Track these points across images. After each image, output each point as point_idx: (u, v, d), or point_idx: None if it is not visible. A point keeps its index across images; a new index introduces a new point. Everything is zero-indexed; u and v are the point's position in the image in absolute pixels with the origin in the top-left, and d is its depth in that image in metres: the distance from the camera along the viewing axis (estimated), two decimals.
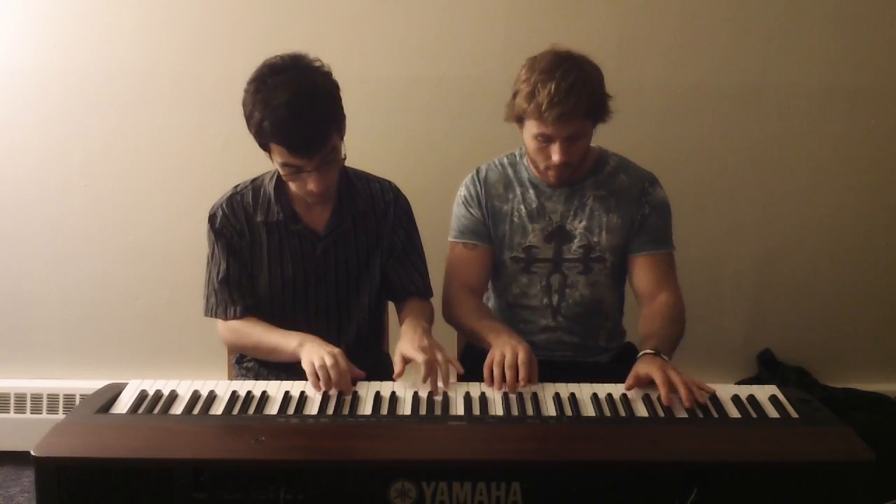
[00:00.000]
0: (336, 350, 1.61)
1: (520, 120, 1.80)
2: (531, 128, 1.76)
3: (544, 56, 1.76)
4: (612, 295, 1.96)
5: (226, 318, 1.82)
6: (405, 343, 1.66)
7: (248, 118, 1.63)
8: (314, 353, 1.61)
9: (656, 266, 1.89)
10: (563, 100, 1.68)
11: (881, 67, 2.53)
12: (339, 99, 1.69)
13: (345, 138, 1.73)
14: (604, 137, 1.88)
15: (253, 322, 1.80)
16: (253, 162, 1.82)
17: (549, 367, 1.64)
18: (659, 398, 1.54)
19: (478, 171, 1.96)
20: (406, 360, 1.63)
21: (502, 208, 1.91)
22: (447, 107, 2.51)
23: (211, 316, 1.85)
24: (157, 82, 2.48)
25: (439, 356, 1.60)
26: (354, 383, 1.59)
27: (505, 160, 1.96)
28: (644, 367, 1.60)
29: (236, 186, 1.85)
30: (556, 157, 1.75)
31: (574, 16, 2.45)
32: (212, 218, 1.82)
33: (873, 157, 2.61)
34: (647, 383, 1.58)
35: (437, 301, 1.96)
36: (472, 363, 1.67)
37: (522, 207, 1.90)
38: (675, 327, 1.82)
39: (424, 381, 1.57)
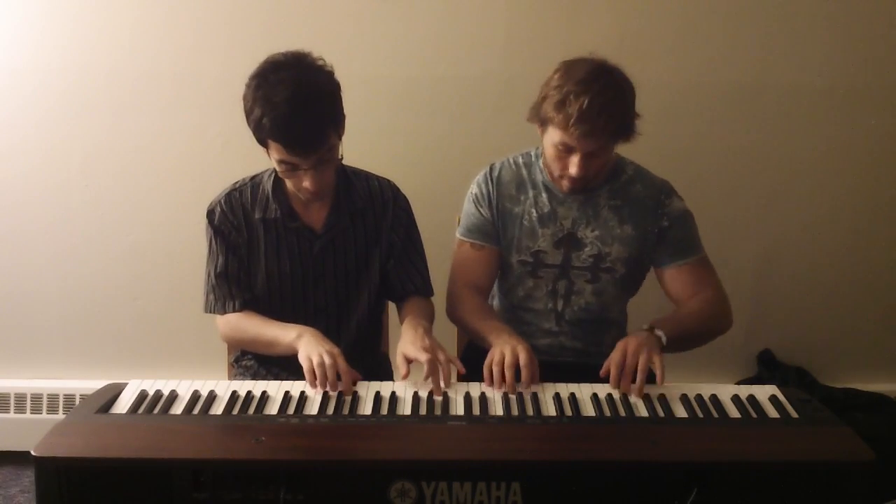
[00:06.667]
0: (335, 350, 1.61)
1: (542, 124, 1.75)
2: (553, 135, 1.72)
3: (581, 66, 1.69)
4: (619, 305, 1.94)
5: (224, 313, 1.82)
6: (406, 343, 1.66)
7: (248, 114, 1.63)
8: (312, 349, 1.61)
9: (688, 273, 1.84)
10: (595, 117, 1.63)
11: (881, 67, 2.53)
12: (340, 99, 1.68)
13: (344, 138, 1.73)
14: None
15: (251, 315, 1.80)
16: (252, 162, 1.82)
17: (550, 370, 1.64)
18: (658, 398, 1.54)
19: (491, 169, 1.91)
20: (409, 361, 1.63)
21: (513, 210, 1.88)
22: (447, 106, 2.51)
23: (210, 312, 1.85)
24: (157, 82, 2.48)
25: (441, 356, 1.60)
26: (354, 383, 1.59)
27: (520, 159, 1.91)
28: (623, 341, 1.62)
29: (235, 183, 1.85)
30: (573, 170, 1.72)
31: (574, 16, 2.45)
32: (210, 214, 1.82)
33: (873, 156, 2.61)
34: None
35: (438, 300, 1.95)
36: (473, 362, 1.67)
37: (534, 210, 1.87)
38: (695, 319, 1.77)
39: (426, 379, 1.57)
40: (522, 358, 1.58)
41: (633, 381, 1.57)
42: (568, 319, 1.90)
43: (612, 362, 1.60)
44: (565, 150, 1.72)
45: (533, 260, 1.88)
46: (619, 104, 1.66)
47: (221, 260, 1.81)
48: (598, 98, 1.63)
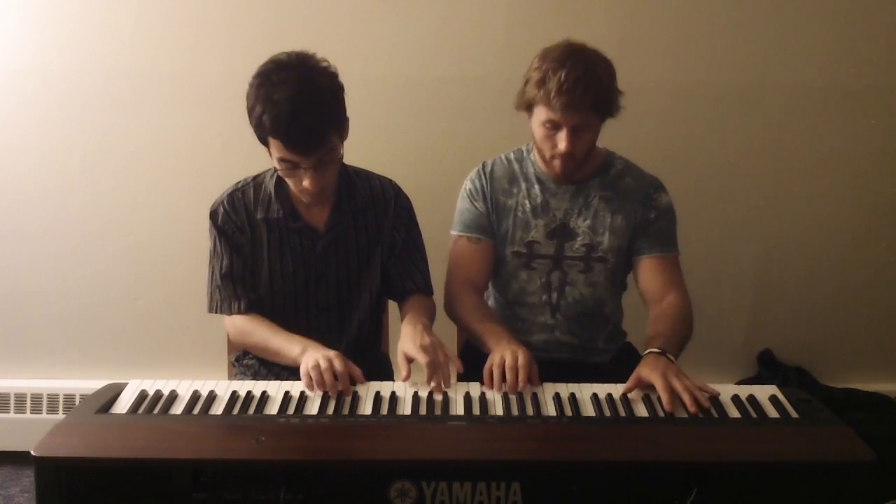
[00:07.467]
0: (332, 353, 1.61)
1: (529, 108, 1.81)
2: (540, 114, 1.77)
3: (557, 47, 1.77)
4: (612, 297, 1.96)
5: (230, 313, 1.82)
6: (406, 341, 1.66)
7: (250, 112, 1.64)
8: (310, 357, 1.61)
9: (664, 268, 1.88)
10: (572, 88, 1.69)
11: (881, 67, 2.53)
12: (342, 100, 1.69)
13: (345, 139, 1.73)
14: (604, 137, 1.88)
15: (258, 321, 1.80)
16: (252, 162, 1.82)
17: (547, 367, 1.64)
18: (659, 399, 1.54)
19: (483, 166, 1.96)
20: (409, 360, 1.63)
21: (507, 203, 1.91)
22: (447, 106, 2.51)
23: (215, 312, 1.84)
24: (157, 82, 2.48)
25: (440, 355, 1.60)
26: (354, 384, 1.59)
27: (511, 155, 1.96)
28: (646, 370, 1.59)
29: (237, 183, 1.85)
30: (562, 144, 1.76)
31: (574, 16, 2.45)
32: (213, 214, 1.82)
33: (873, 156, 2.61)
34: (647, 387, 1.57)
35: (438, 298, 1.95)
36: (472, 361, 1.68)
37: (527, 202, 1.90)
38: (682, 328, 1.80)
39: (428, 382, 1.57)
40: (521, 360, 1.59)
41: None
42: (563, 312, 1.92)
43: (662, 392, 1.52)
44: (552, 128, 1.77)
45: (527, 251, 1.91)
46: (594, 76, 1.72)
47: (226, 260, 1.81)
48: (574, 71, 1.70)
